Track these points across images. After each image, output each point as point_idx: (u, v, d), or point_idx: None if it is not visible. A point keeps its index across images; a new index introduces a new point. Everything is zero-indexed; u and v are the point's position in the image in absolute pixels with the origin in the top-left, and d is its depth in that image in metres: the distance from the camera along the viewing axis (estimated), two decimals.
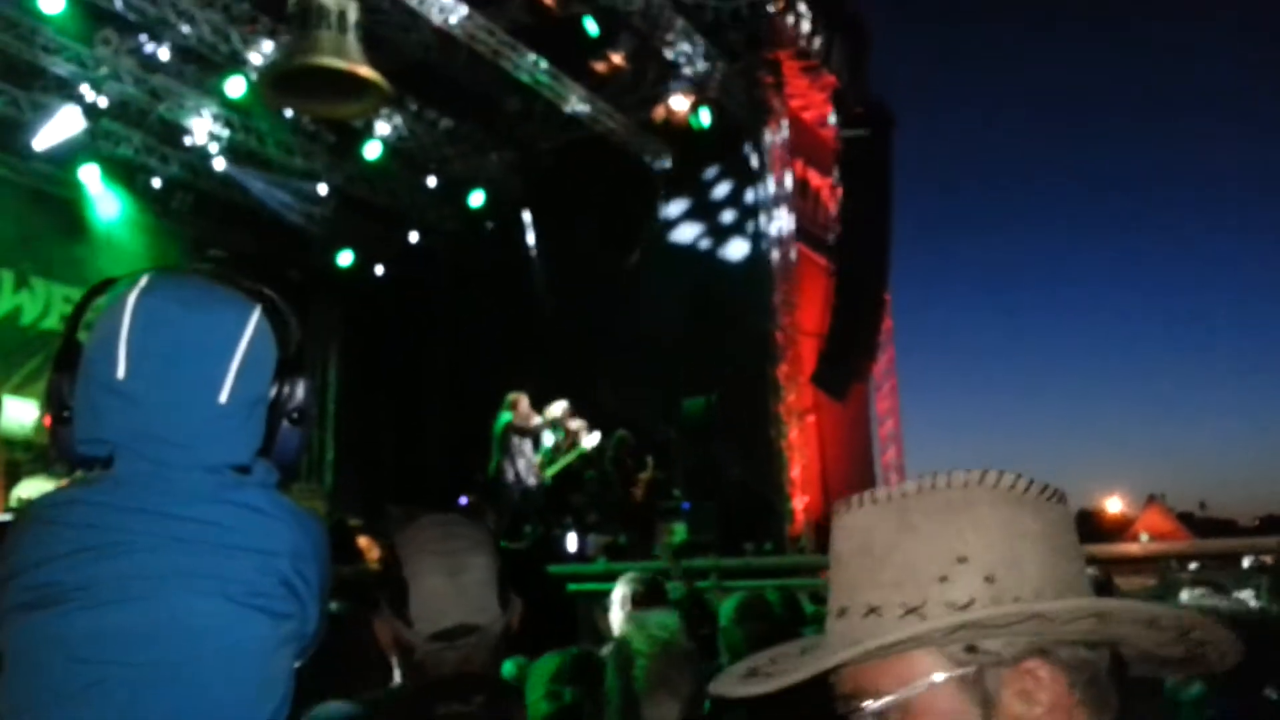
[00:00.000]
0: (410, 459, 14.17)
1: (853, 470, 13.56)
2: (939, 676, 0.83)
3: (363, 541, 9.84)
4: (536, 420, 10.32)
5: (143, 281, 1.14)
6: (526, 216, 14.08)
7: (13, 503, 9.60)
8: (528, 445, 10.28)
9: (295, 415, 1.20)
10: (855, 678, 0.87)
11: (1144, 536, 10.99)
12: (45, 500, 1.15)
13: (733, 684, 0.89)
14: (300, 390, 1.22)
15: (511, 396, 10.21)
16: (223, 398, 1.12)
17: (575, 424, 10.84)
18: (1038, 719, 0.81)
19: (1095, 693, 0.84)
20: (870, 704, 0.85)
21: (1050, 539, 0.87)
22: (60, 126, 11.18)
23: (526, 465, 10.19)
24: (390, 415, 14.61)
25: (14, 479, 9.99)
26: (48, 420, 1.19)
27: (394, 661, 1.47)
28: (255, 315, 1.16)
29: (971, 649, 0.83)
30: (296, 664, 1.22)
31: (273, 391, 1.19)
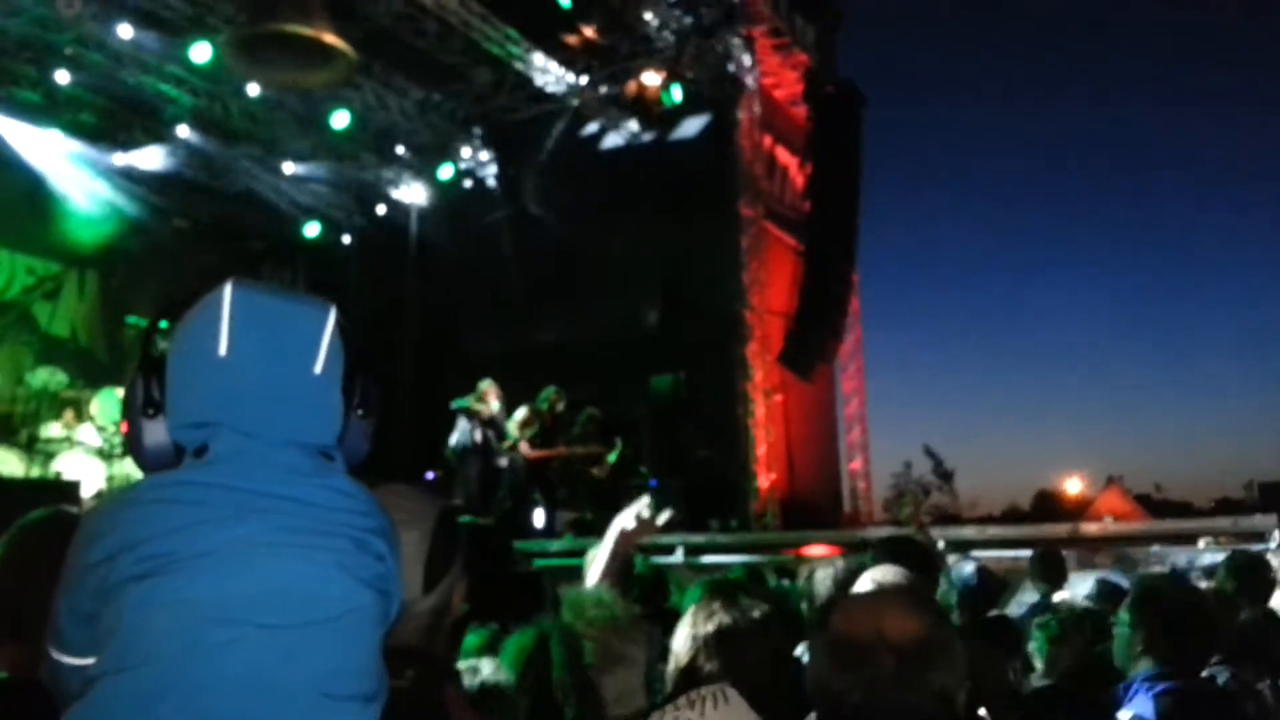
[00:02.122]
0: (378, 432, 14.07)
1: (818, 449, 13.70)
2: None
3: None
4: (493, 411, 10.16)
5: (231, 281, 1.21)
6: (496, 190, 13.96)
7: None
8: (478, 430, 10.12)
9: (362, 410, 1.28)
10: None
11: (1108, 520, 11.20)
12: (148, 482, 1.18)
13: None
14: (368, 388, 1.30)
15: (482, 386, 10.13)
16: (318, 368, 1.20)
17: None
18: None
19: None
20: None
21: None
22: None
23: (477, 445, 10.09)
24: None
25: None
26: (124, 426, 1.24)
27: None
28: (333, 310, 1.25)
29: None
30: None
31: (345, 386, 1.26)
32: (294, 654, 1.12)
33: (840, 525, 12.18)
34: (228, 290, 1.19)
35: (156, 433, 1.19)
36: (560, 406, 10.65)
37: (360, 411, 1.28)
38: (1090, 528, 8.40)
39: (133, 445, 1.22)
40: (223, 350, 1.16)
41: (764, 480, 11.76)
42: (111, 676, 1.08)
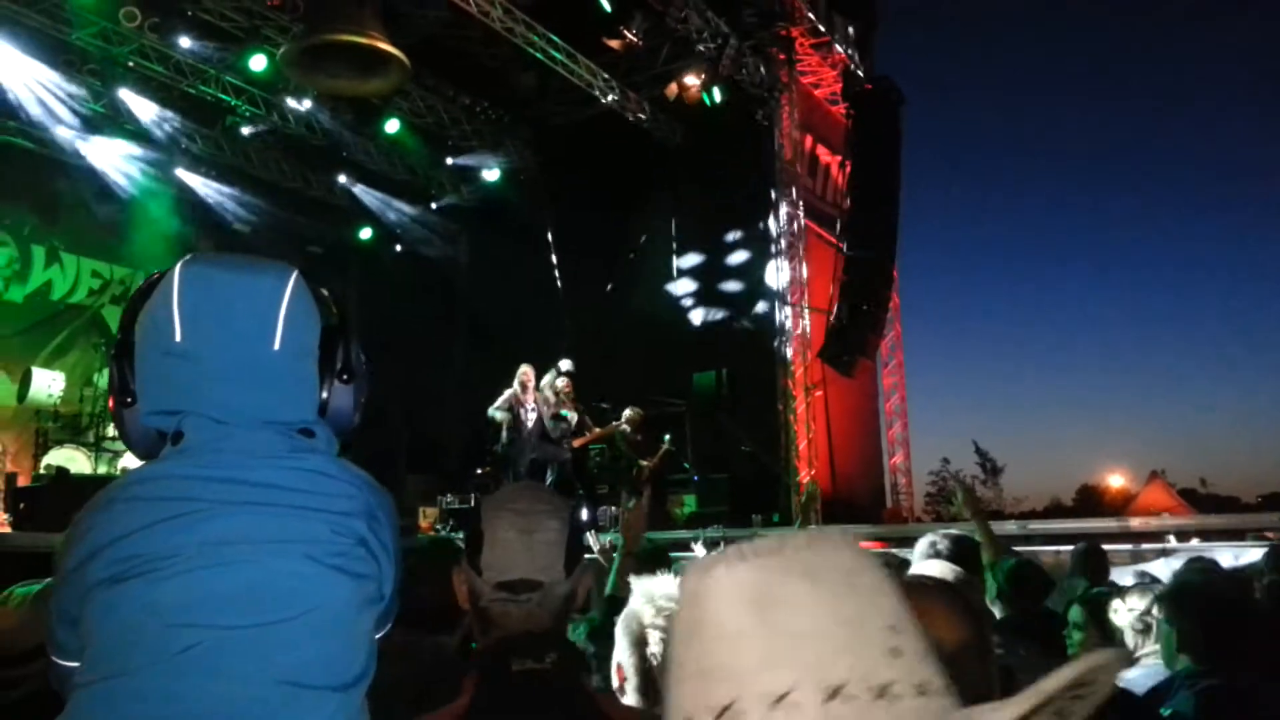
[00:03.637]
0: (428, 429, 14.42)
1: (860, 444, 13.81)
2: None
3: None
4: (536, 393, 10.16)
5: (184, 259, 1.19)
6: (542, 192, 14.23)
7: (43, 470, 9.90)
8: (532, 416, 10.14)
9: (344, 375, 1.23)
10: None
11: (1158, 515, 11.20)
12: (122, 480, 1.16)
13: None
14: (348, 352, 1.25)
15: (520, 370, 10.19)
16: (275, 344, 1.16)
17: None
18: None
19: None
20: None
21: None
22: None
23: (530, 434, 10.10)
24: (405, 386, 14.88)
25: (44, 448, 10.32)
26: (111, 405, 1.22)
27: (467, 613, 1.51)
28: (293, 276, 1.20)
29: None
30: (379, 634, 1.25)
31: (321, 353, 1.22)
32: (262, 652, 1.08)
33: (881, 520, 12.32)
34: (177, 271, 1.15)
35: (135, 421, 1.18)
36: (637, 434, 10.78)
37: (344, 378, 1.23)
38: (1133, 522, 8.43)
39: (120, 434, 1.22)
40: (177, 336, 1.13)
41: (805, 476, 11.92)
42: (86, 689, 1.07)
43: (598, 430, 10.69)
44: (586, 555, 1.57)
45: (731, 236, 13.13)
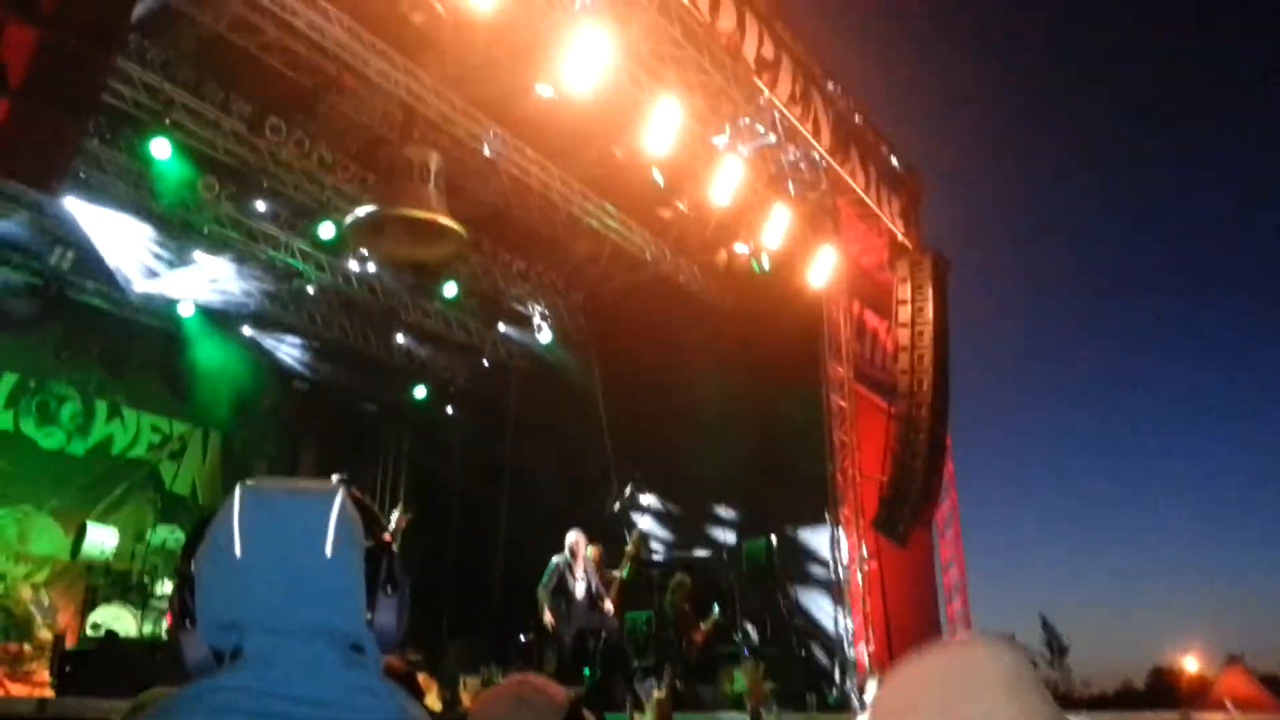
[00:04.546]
0: (472, 593, 14.20)
1: (918, 619, 13.26)
2: None
3: (422, 679, 9.84)
4: (588, 560, 10.05)
5: (242, 484, 1.28)
6: (593, 354, 14.45)
7: (89, 628, 9.85)
8: (581, 585, 10.02)
9: (389, 587, 1.29)
10: None
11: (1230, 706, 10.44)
12: (187, 691, 1.21)
13: None
14: (391, 565, 1.31)
15: (570, 538, 10.09)
16: (327, 552, 1.23)
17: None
18: None
19: None
20: None
21: None
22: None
23: (580, 603, 9.93)
24: (455, 547, 14.77)
25: (92, 604, 10.29)
26: (169, 620, 1.30)
27: None
28: (340, 493, 1.29)
29: None
30: None
31: (367, 565, 1.28)
32: None
33: None
34: (237, 494, 1.26)
35: (194, 643, 1.25)
36: (640, 552, 10.53)
37: (388, 589, 1.30)
38: (1211, 717, 7.86)
39: (179, 660, 1.27)
40: (238, 551, 1.21)
41: (862, 653, 11.41)
42: None
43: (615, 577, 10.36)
44: None
45: (781, 400, 13.09)
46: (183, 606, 1.25)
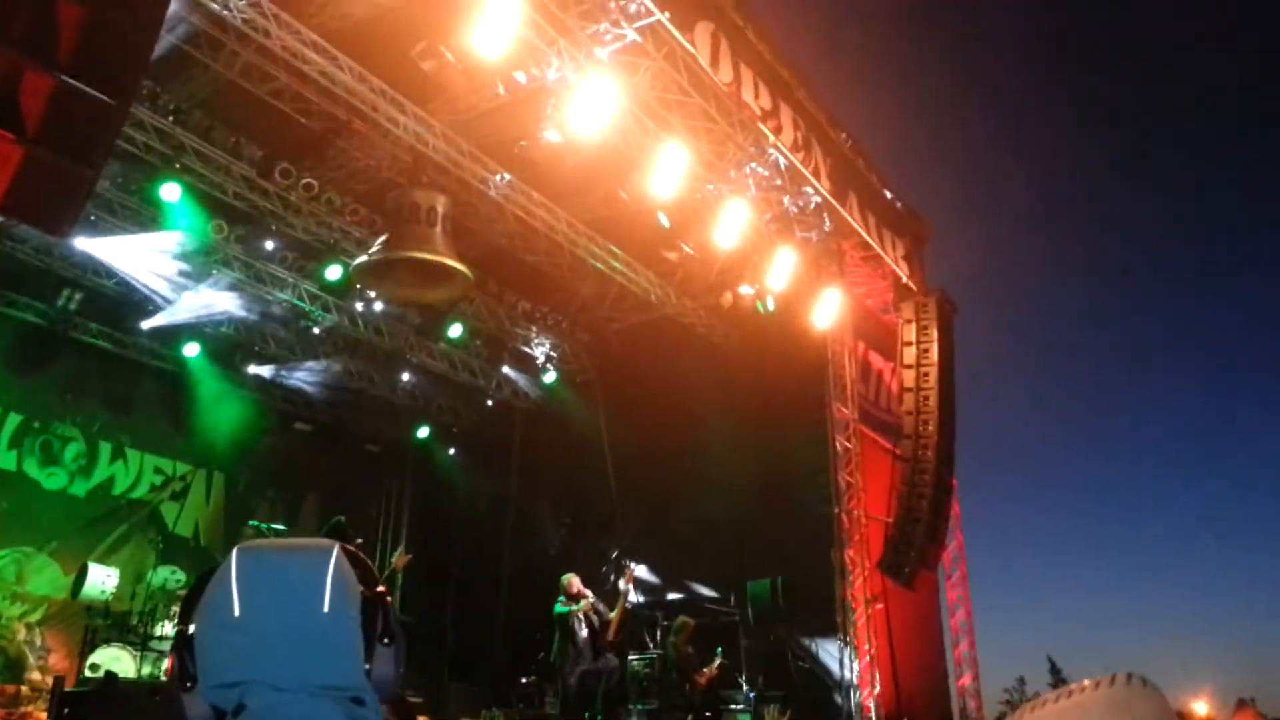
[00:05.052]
0: (473, 634, 14.10)
1: (925, 663, 13.13)
2: None
3: None
4: (590, 601, 10.02)
5: (238, 546, 1.30)
6: (597, 393, 14.46)
7: (88, 670, 9.76)
8: (584, 628, 9.99)
9: (386, 639, 1.31)
10: None
11: None
12: None
13: None
14: (387, 616, 1.34)
15: (564, 579, 10.08)
16: (325, 606, 1.25)
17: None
18: None
19: None
20: None
21: None
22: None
23: (584, 645, 9.89)
24: (456, 589, 14.69)
25: (91, 645, 10.20)
26: (170, 677, 1.29)
27: None
28: (336, 550, 1.31)
29: None
30: None
31: (364, 619, 1.30)
32: None
33: None
34: (234, 555, 1.27)
35: (195, 703, 1.25)
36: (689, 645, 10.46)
37: (385, 640, 1.32)
38: None
39: (178, 716, 1.28)
40: (236, 611, 1.23)
41: (868, 697, 11.29)
42: None
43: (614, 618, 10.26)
44: None
45: (785, 441, 13.08)
46: (183, 668, 1.26)
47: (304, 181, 10.91)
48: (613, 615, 10.01)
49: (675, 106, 10.26)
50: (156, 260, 11.72)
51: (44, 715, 8.50)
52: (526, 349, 14.55)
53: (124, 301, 12.10)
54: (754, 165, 11.54)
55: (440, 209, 10.58)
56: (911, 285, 13.63)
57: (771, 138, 10.84)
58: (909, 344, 12.91)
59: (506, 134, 10.76)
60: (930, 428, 12.50)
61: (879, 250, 13.24)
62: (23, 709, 9.06)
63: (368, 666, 1.29)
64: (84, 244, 10.95)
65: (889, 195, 13.94)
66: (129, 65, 5.67)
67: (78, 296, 11.65)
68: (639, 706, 10.66)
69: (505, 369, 14.80)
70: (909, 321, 12.99)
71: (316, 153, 11.51)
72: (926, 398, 12.54)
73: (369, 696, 1.29)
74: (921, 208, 14.77)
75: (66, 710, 7.61)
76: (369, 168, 11.70)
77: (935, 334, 12.78)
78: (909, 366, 12.84)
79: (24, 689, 9.58)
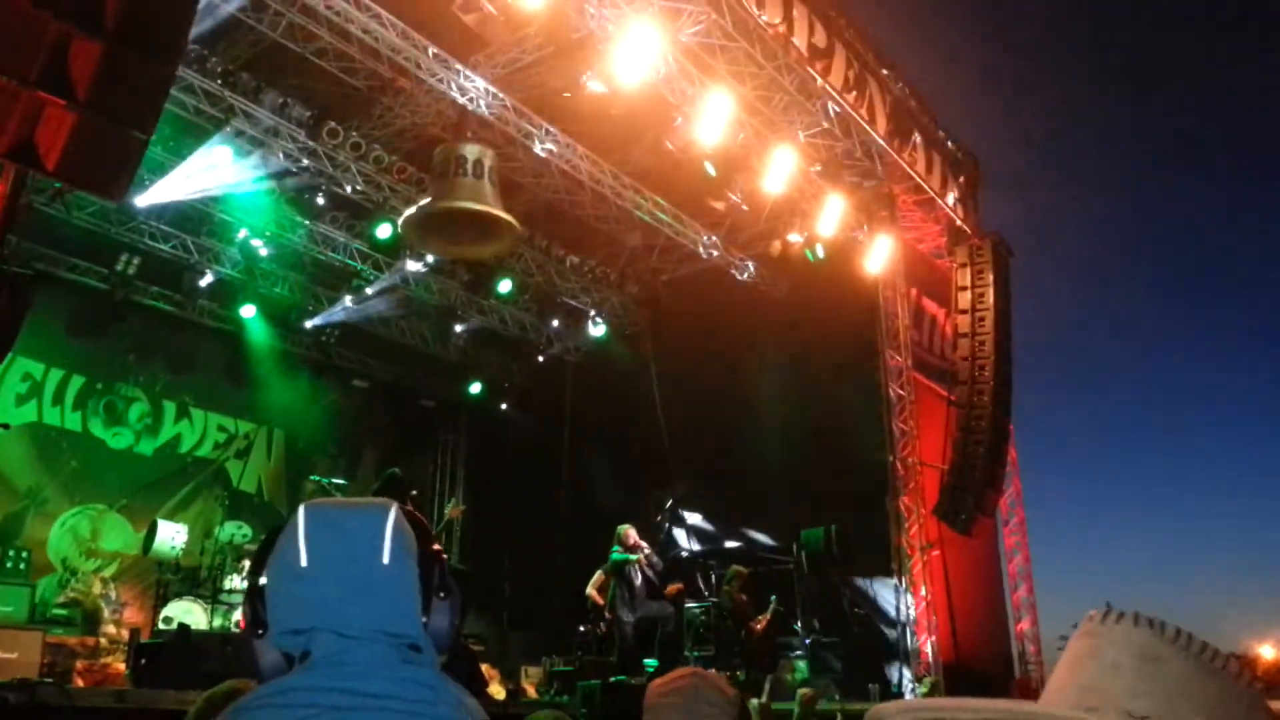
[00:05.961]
0: (531, 584, 14.33)
1: (983, 608, 13.08)
2: None
3: (484, 669, 9.97)
4: (645, 551, 10.10)
5: (304, 503, 1.38)
6: (648, 345, 14.46)
7: (161, 622, 10.11)
8: (639, 576, 10.08)
9: (442, 593, 1.38)
10: None
11: None
12: (254, 693, 1.30)
13: None
14: (443, 572, 1.40)
15: (621, 530, 10.16)
16: (385, 558, 1.32)
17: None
18: None
19: None
20: None
21: None
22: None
23: (640, 592, 9.99)
24: (513, 540, 14.92)
25: (164, 600, 10.55)
26: (242, 624, 1.38)
27: None
28: (394, 508, 1.38)
29: None
30: None
31: (421, 573, 1.36)
32: None
33: (1012, 692, 11.49)
34: (301, 511, 1.35)
35: (266, 649, 1.33)
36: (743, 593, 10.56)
37: (441, 594, 1.39)
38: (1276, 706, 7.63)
39: (252, 663, 1.36)
40: (303, 562, 1.31)
41: (925, 642, 11.28)
42: None
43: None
44: None
45: (838, 389, 12.97)
46: (255, 616, 1.34)
47: (352, 140, 10.94)
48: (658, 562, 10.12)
49: (719, 52, 10.07)
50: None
51: (122, 666, 8.85)
52: (575, 302, 14.56)
53: (182, 265, 12.32)
54: (802, 109, 11.31)
55: (487, 162, 10.53)
56: (966, 229, 13.33)
57: (819, 80, 10.59)
58: (964, 288, 12.67)
59: (549, 86, 10.67)
60: (986, 372, 12.30)
61: (933, 194, 12.96)
62: (102, 660, 9.42)
63: (425, 619, 1.36)
64: (144, 200, 11.06)
65: (943, 136, 13.59)
66: (173, 27, 5.70)
67: (135, 261, 11.87)
68: (695, 654, 10.76)
69: (555, 323, 14.86)
70: (964, 265, 12.74)
71: (363, 111, 11.53)
72: (982, 341, 12.32)
73: (425, 645, 1.36)
74: (975, 148, 14.39)
75: (144, 660, 7.91)
76: (415, 125, 11.70)
77: (990, 278, 12.52)
78: (964, 311, 12.62)
79: (102, 641, 9.95)
